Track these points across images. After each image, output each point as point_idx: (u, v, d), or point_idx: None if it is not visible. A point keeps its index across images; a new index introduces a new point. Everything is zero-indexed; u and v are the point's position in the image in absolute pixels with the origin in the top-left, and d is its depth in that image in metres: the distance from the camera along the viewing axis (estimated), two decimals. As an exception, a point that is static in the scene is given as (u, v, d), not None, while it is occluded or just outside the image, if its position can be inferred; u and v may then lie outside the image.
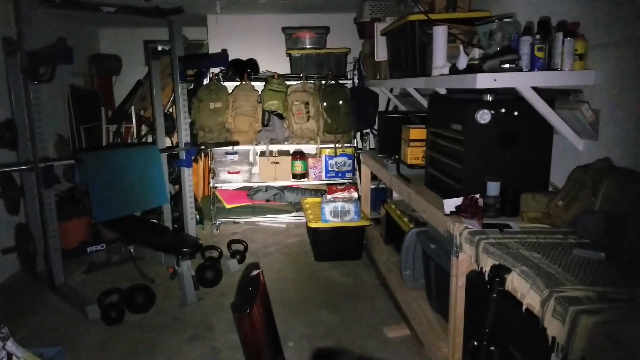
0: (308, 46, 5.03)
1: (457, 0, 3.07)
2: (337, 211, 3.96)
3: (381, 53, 3.88)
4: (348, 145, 5.00)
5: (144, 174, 3.85)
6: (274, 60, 5.26)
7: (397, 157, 3.29)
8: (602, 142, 2.14)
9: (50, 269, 3.54)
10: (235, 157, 5.06)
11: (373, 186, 4.43)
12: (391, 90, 4.57)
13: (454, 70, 2.41)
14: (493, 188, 2.11)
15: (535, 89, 2.14)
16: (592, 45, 2.14)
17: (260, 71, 5.16)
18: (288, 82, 4.88)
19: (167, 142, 4.61)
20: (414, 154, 3.05)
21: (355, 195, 4.04)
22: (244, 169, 5.09)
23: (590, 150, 2.22)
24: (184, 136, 4.23)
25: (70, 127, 4.85)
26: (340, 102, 4.70)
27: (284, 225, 5.14)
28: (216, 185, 5.11)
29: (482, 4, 3.18)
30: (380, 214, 4.09)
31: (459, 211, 2.18)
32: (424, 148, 2.87)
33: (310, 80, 4.87)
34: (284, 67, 5.13)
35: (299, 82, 4.87)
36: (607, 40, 2.07)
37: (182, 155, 4.26)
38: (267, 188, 5.23)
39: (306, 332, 3.01)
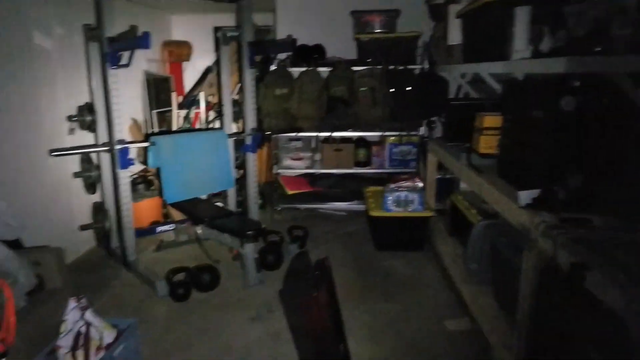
0: (377, 30, 4.92)
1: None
2: (400, 200, 3.89)
3: (455, 36, 3.74)
4: (414, 133, 4.88)
5: (212, 158, 3.95)
6: (340, 45, 5.20)
7: (467, 146, 3.17)
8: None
9: (123, 246, 3.73)
10: (299, 144, 5.09)
11: (438, 176, 4.31)
12: (462, 77, 4.40)
13: (537, 54, 2.27)
14: (575, 180, 1.99)
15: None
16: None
17: (327, 57, 5.13)
18: (355, 68, 4.82)
19: (234, 128, 4.71)
20: (488, 143, 2.92)
21: (420, 184, 3.95)
22: (306, 155, 5.12)
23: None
24: (251, 122, 4.30)
25: (144, 111, 5.06)
26: (408, 89, 4.58)
27: (345, 213, 5.13)
28: (279, 171, 5.17)
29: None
30: (446, 205, 3.99)
31: (535, 203, 2.07)
32: (499, 136, 2.74)
33: (377, 65, 4.79)
34: (351, 53, 5.07)
35: (366, 67, 4.80)
36: None
37: (248, 140, 4.33)
38: (329, 175, 5.22)
39: (366, 321, 2.99)
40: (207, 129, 5.05)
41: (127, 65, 3.40)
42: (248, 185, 4.41)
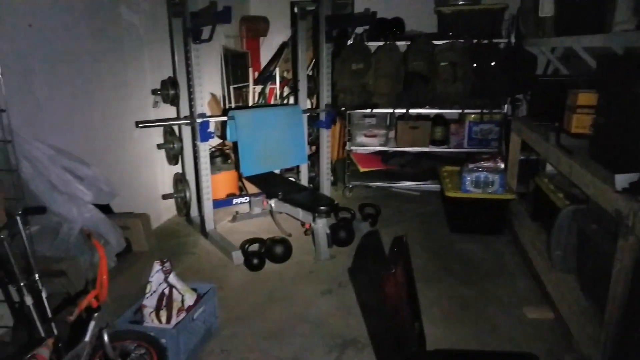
0: (460, 2, 4.71)
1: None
2: (480, 181, 3.74)
3: (547, 7, 3.48)
4: (496, 111, 4.65)
5: (287, 133, 3.99)
6: (420, 18, 5.03)
7: (557, 125, 2.97)
8: None
9: (202, 215, 3.89)
10: (373, 120, 5.02)
11: (522, 157, 4.08)
12: (552, 51, 4.11)
13: None
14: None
15: None
16: None
17: (406, 30, 4.98)
18: (435, 42, 4.65)
19: (308, 104, 4.72)
20: (581, 122, 2.72)
21: (502, 165, 3.77)
22: (380, 132, 5.04)
23: None
24: (325, 97, 4.29)
25: (222, 86, 5.19)
26: (492, 64, 4.35)
27: (418, 193, 5.03)
28: (351, 148, 5.14)
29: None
30: (528, 187, 3.79)
31: (633, 188, 1.91)
32: (593, 115, 2.54)
33: (459, 39, 4.58)
34: (432, 26, 4.88)
35: (447, 41, 4.60)
36: None
37: (322, 116, 4.34)
38: (403, 153, 5.12)
39: (439, 303, 2.93)
40: (283, 105, 5.10)
41: (208, 40, 3.48)
42: (321, 161, 4.43)
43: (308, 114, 4.40)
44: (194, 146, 3.86)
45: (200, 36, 3.46)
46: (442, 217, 4.31)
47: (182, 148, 4.02)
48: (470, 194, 3.77)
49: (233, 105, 5.03)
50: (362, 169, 5.14)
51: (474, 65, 4.41)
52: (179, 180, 4.17)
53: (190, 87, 3.67)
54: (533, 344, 2.50)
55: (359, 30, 4.95)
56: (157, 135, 4.06)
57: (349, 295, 3.03)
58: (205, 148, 3.71)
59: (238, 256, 3.45)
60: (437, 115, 5.02)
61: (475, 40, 4.50)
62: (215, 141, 4.77)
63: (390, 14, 5.01)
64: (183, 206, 4.19)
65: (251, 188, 4.53)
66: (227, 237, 3.80)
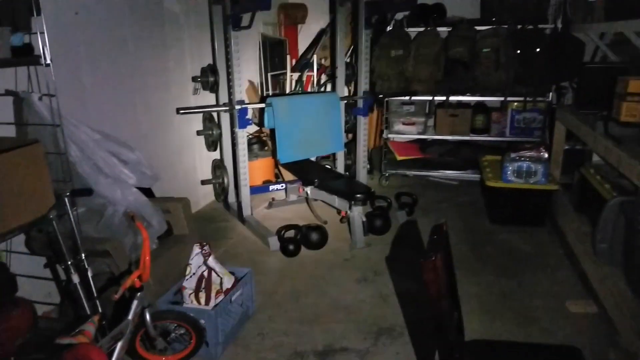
0: (505, -14, 4.56)
1: None
2: (522, 171, 3.64)
3: (598, -10, 3.34)
4: (540, 99, 4.49)
5: (324, 121, 3.98)
6: (462, 4, 4.91)
7: (605, 114, 2.85)
8: None
9: (239, 201, 3.94)
10: (412, 108, 4.95)
11: (566, 147, 3.95)
12: (601, 37, 3.94)
13: None
14: None
15: None
16: None
17: (447, 16, 4.86)
18: (477, 28, 4.52)
19: (345, 91, 4.69)
20: (631, 110, 2.60)
21: (545, 155, 3.65)
22: (419, 120, 4.97)
23: None
24: (363, 84, 4.25)
25: (260, 73, 5.21)
26: (537, 50, 4.20)
27: (457, 182, 4.94)
28: (389, 136, 5.08)
29: None
30: (573, 178, 3.66)
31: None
32: None
33: (503, 25, 4.43)
34: (474, 12, 4.76)
35: (490, 27, 4.47)
36: None
37: (360, 103, 4.30)
38: (442, 142, 5.03)
39: (478, 294, 2.89)
40: (320, 92, 5.09)
41: (248, 27, 3.50)
42: (357, 149, 4.41)
43: (345, 101, 4.37)
44: (232, 133, 3.90)
45: (240, 23, 3.48)
46: (481, 207, 4.23)
47: (220, 135, 4.08)
48: (511, 184, 3.68)
49: (270, 92, 5.05)
50: (399, 158, 5.08)
51: (518, 51, 4.27)
52: (217, 166, 4.24)
53: (229, 74, 3.70)
54: (575, 338, 2.43)
55: (399, 16, 4.87)
56: (196, 121, 4.13)
57: (384, 284, 3.02)
58: (243, 135, 3.75)
59: (274, 242, 3.48)
60: (478, 103, 4.90)
61: (519, 26, 4.36)
62: (252, 128, 4.80)
63: (432, -1, 4.91)
64: (221, 192, 4.26)
65: (287, 175, 4.56)
66: (263, 223, 3.84)
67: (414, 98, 4.81)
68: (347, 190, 3.63)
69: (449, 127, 4.85)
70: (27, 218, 1.98)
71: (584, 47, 4.08)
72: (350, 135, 5.06)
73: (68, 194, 1.99)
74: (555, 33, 4.34)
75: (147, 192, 2.83)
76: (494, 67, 4.35)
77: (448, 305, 1.56)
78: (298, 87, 5.29)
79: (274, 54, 5.30)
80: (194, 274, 2.42)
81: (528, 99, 4.49)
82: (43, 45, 1.99)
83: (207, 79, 4.00)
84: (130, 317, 1.99)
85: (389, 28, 4.80)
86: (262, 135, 4.89)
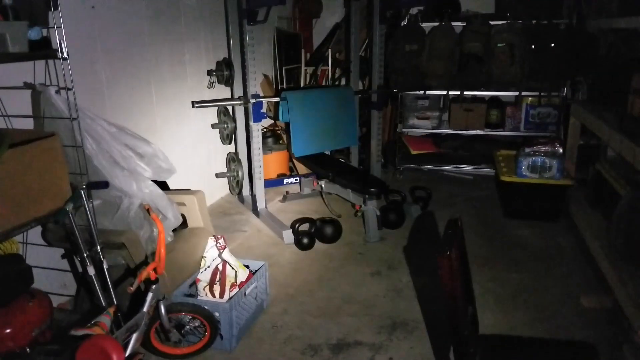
0: (519, -19, 4.52)
1: None
2: (537, 166, 3.61)
3: (613, -15, 3.29)
4: (555, 94, 4.45)
5: (338, 115, 3.98)
6: (477, -1, 4.88)
7: (620, 109, 2.82)
8: None
9: (254, 194, 3.96)
10: (426, 103, 4.93)
11: (581, 142, 3.91)
12: (616, 33, 3.88)
13: None
14: None
15: None
16: None
17: (461, 11, 4.83)
18: (492, 23, 4.48)
19: (360, 86, 4.69)
20: (646, 105, 2.57)
21: (560, 150, 3.62)
22: (433, 115, 4.94)
23: None
24: (377, 79, 4.24)
25: (274, 67, 5.22)
26: (552, 45, 4.16)
27: (471, 177, 4.91)
28: (403, 130, 5.06)
29: None
30: (588, 173, 3.62)
31: None
32: None
33: (517, 20, 4.40)
34: (488, 6, 4.72)
35: (504, 22, 4.43)
36: None
37: (374, 97, 4.30)
38: (456, 136, 5.01)
39: (492, 288, 2.88)
40: (335, 86, 5.08)
41: (263, 22, 3.51)
42: (372, 143, 4.41)
43: (360, 95, 4.37)
44: (247, 126, 3.92)
45: (256, 17, 3.50)
46: (495, 202, 4.20)
47: (235, 128, 4.10)
48: (526, 179, 3.65)
49: (285, 86, 5.06)
50: (413, 152, 5.07)
51: (532, 46, 4.25)
52: (232, 159, 4.26)
53: (244, 68, 3.72)
54: (589, 334, 2.42)
55: (413, 11, 4.85)
56: (211, 115, 4.15)
57: (398, 278, 3.02)
58: (257, 128, 3.77)
59: (288, 235, 3.50)
60: (493, 98, 4.87)
61: (534, 21, 4.33)
62: (267, 122, 4.82)
63: (447, -7, 4.87)
64: (235, 185, 4.29)
65: (302, 169, 4.57)
66: (277, 216, 3.86)
67: (428, 92, 4.79)
68: (362, 184, 3.63)
69: (463, 121, 4.82)
70: (43, 210, 2.01)
71: (598, 42, 4.03)
72: (365, 129, 5.06)
73: (84, 186, 2.01)
74: (569, 28, 4.31)
75: (163, 184, 2.86)
76: (509, 62, 4.32)
77: (462, 299, 1.56)
78: (313, 80, 5.29)
79: (288, 48, 5.30)
80: (208, 266, 2.45)
81: (542, 93, 4.45)
82: (60, 40, 2.01)
83: (223, 72, 4.01)
84: (145, 309, 2.01)
85: (403, 23, 4.78)
86: (277, 128, 4.90)
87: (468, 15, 4.68)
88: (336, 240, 3.50)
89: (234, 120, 4.09)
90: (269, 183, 4.17)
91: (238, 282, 2.49)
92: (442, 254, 1.41)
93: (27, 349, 1.97)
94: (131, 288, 1.97)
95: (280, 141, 4.76)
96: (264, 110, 3.76)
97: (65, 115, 2.15)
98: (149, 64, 3.33)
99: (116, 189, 2.34)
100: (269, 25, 4.73)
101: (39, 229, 2.39)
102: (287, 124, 3.87)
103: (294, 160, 4.60)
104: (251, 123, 3.73)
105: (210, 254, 2.46)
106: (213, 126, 4.14)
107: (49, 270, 2.48)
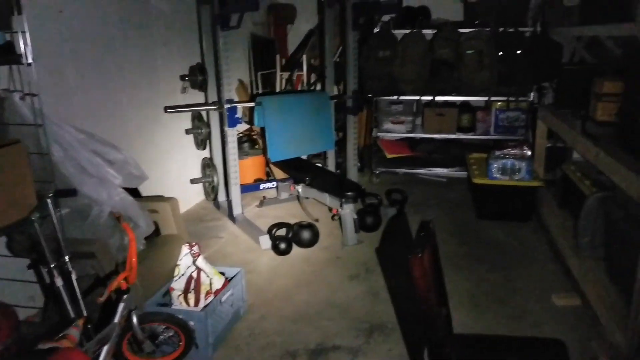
0: (487, -10, 4.63)
1: None
2: (507, 169, 3.69)
3: (572, -5, 3.43)
4: (523, 99, 4.57)
5: (314, 119, 3.99)
6: (446, 7, 4.99)
7: (583, 113, 2.92)
8: None
9: (229, 200, 3.94)
10: (400, 107, 4.98)
11: (548, 145, 4.02)
12: (578, 40, 4.02)
13: None
14: None
15: None
16: None
17: (432, 18, 4.92)
18: (461, 30, 4.58)
19: (335, 91, 4.71)
20: (606, 110, 2.69)
21: (528, 153, 3.71)
22: (407, 119, 5.00)
23: None
24: (352, 84, 4.27)
25: (250, 72, 5.21)
26: (518, 52, 4.28)
27: (445, 180, 4.98)
28: (378, 134, 5.11)
29: None
30: (555, 175, 3.73)
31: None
32: (619, 103, 2.52)
33: (486, 28, 4.50)
34: (458, 15, 4.83)
35: (473, 29, 4.53)
36: None
37: (349, 102, 4.32)
38: (430, 140, 5.07)
39: (467, 288, 2.92)
40: (310, 91, 5.10)
41: (237, 27, 3.50)
42: (348, 147, 4.43)
43: (335, 100, 4.39)
44: (222, 131, 3.90)
45: (229, 23, 3.49)
46: (469, 203, 4.27)
47: (210, 133, 4.07)
48: (497, 181, 3.73)
49: (260, 91, 5.05)
50: (389, 155, 5.12)
51: (500, 53, 4.36)
52: (207, 165, 4.23)
53: (218, 73, 3.70)
54: (561, 331, 2.47)
55: (385, 18, 4.91)
56: (185, 120, 4.12)
57: (376, 280, 3.04)
58: (233, 133, 3.75)
59: (265, 241, 3.48)
60: (464, 103, 4.97)
61: (501, 29, 4.44)
62: (243, 126, 4.81)
63: (416, 2, 4.99)
64: (211, 191, 4.25)
65: (278, 173, 4.56)
66: (254, 221, 3.85)
67: (401, 98, 4.86)
68: (338, 188, 3.65)
69: (436, 125, 4.90)
70: (8, 220, 1.95)
71: (562, 49, 4.17)
72: (341, 134, 5.09)
73: (51, 195, 1.95)
74: (534, 36, 4.46)
75: (134, 192, 2.82)
76: (478, 68, 4.41)
77: (436, 300, 1.58)
78: (288, 86, 5.30)
79: (263, 53, 5.30)
80: (182, 274, 2.42)
81: (511, 98, 4.57)
82: (24, 45, 1.97)
83: (196, 77, 3.99)
84: (116, 320, 1.97)
85: (376, 29, 4.83)
86: (253, 133, 4.89)
87: (438, 22, 4.77)
88: (314, 245, 3.50)
89: (208, 125, 4.06)
90: (245, 188, 4.15)
91: (213, 290, 2.46)
92: (414, 255, 1.43)
93: (-8, 365, 1.91)
94: (101, 298, 1.93)
95: (257, 146, 4.74)
96: (239, 115, 3.75)
97: (30, 121, 2.11)
98: (120, 69, 3.29)
99: (85, 196, 2.29)
100: (243, 30, 4.72)
101: (3, 239, 2.32)
102: (263, 129, 3.86)
103: (271, 165, 4.59)
104: (226, 128, 3.71)
105: (184, 262, 2.44)
106: (187, 131, 4.11)
107: (16, 282, 2.40)
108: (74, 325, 1.84)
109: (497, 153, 3.75)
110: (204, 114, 4.10)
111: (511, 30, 4.41)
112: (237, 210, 3.93)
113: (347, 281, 3.05)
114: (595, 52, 3.78)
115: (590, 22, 3.21)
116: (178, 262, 2.43)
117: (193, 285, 2.42)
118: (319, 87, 5.15)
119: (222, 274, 2.58)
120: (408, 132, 5.05)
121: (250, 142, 4.71)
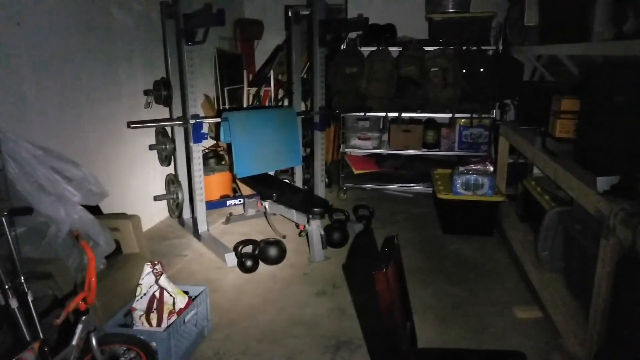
0: (450, 10, 4.77)
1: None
2: (470, 184, 3.76)
3: (532, 16, 3.60)
4: (485, 116, 4.70)
5: (281, 135, 3.98)
6: (412, 25, 5.09)
7: (542, 129, 3.02)
8: None
9: (195, 217, 3.87)
10: (367, 124, 5.04)
11: (510, 161, 4.13)
12: (538, 59, 4.18)
13: (620, 36, 2.11)
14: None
15: None
16: None
17: (398, 36, 5.02)
18: (426, 48, 4.69)
19: (302, 107, 4.74)
20: (564, 127, 2.79)
21: (491, 168, 3.80)
22: (374, 135, 5.06)
23: None
24: (319, 100, 4.30)
25: (216, 88, 5.19)
26: (481, 70, 4.41)
27: (411, 195, 5.04)
28: (346, 150, 5.15)
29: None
30: (517, 190, 3.83)
31: (614, 190, 1.95)
32: (576, 121, 2.62)
33: (449, 46, 4.62)
34: (423, 33, 4.94)
35: (438, 47, 4.65)
36: None
37: (317, 118, 4.35)
38: (397, 156, 5.14)
39: (432, 303, 2.94)
40: (277, 107, 5.11)
41: (202, 42, 3.48)
42: (315, 163, 4.44)
43: (302, 116, 4.41)
44: (187, 147, 3.85)
45: (194, 38, 3.46)
46: (434, 218, 4.33)
47: (174, 149, 4.01)
48: (461, 196, 3.79)
49: (227, 106, 5.03)
50: (356, 171, 5.16)
51: (464, 71, 4.47)
52: (171, 181, 4.16)
53: (183, 88, 3.66)
54: (522, 343, 2.52)
55: (352, 35, 4.98)
56: (149, 135, 4.05)
57: (343, 297, 3.03)
58: (198, 149, 3.71)
59: (231, 258, 3.43)
60: (429, 119, 5.07)
61: (464, 47, 4.56)
62: (209, 142, 4.76)
63: (382, 20, 5.06)
64: (175, 208, 4.18)
65: (245, 189, 4.53)
66: (220, 239, 3.79)
67: (368, 114, 4.92)
68: (305, 204, 3.64)
69: (402, 142, 4.98)
70: (-41, 239, 1.87)
71: (523, 67, 4.32)
72: (308, 150, 5.10)
73: (6, 213, 1.89)
74: (497, 54, 4.60)
75: (94, 209, 2.74)
76: (442, 86, 4.51)
77: (400, 315, 1.59)
78: (256, 101, 5.29)
79: (230, 68, 5.29)
80: (144, 294, 2.36)
81: (474, 115, 4.69)
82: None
83: (160, 92, 3.94)
84: (74, 342, 1.89)
85: (343, 46, 4.89)
86: (219, 149, 4.85)
87: (404, 40, 4.86)
88: (280, 262, 3.46)
89: (173, 141, 4.00)
90: (211, 205, 4.09)
91: (176, 310, 2.40)
92: (379, 270, 1.43)
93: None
94: (57, 320, 1.85)
95: (223, 162, 4.70)
96: (205, 130, 3.71)
97: (-17, 137, 2.04)
98: (79, 83, 3.22)
99: (42, 215, 2.22)
100: (209, 45, 4.71)
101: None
102: (230, 145, 3.83)
103: (237, 181, 4.55)
104: (191, 144, 3.66)
105: (147, 281, 2.37)
106: (151, 147, 4.04)
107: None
108: (30, 349, 1.76)
109: (461, 169, 3.83)
110: (168, 129, 4.04)
111: (474, 48, 4.54)
112: (202, 228, 3.86)
113: (314, 298, 3.03)
114: (554, 71, 3.93)
115: (549, 42, 3.34)
116: (140, 282, 2.37)
117: (155, 305, 2.36)
118: (286, 102, 5.17)
119: (186, 292, 2.52)
120: (375, 148, 5.11)
121: (217, 158, 4.66)
